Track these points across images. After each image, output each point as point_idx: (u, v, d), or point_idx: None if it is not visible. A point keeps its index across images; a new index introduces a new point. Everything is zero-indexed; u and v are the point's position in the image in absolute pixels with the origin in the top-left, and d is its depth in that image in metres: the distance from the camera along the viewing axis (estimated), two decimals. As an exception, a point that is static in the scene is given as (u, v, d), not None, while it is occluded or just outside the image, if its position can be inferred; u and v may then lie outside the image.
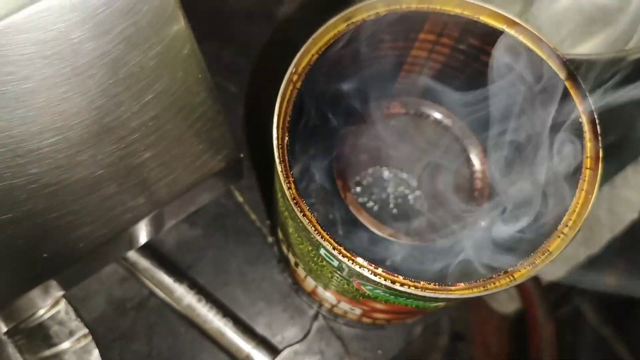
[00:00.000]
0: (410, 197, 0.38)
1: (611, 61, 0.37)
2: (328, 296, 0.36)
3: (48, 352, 0.39)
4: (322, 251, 0.27)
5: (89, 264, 0.36)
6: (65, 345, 0.40)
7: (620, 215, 0.63)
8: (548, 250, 0.27)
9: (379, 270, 0.25)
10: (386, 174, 0.37)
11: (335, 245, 0.25)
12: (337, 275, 0.29)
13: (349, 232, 0.36)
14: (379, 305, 0.31)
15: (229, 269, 0.44)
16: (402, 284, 0.25)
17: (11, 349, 0.37)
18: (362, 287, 0.28)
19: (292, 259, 0.37)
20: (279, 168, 0.26)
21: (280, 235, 0.37)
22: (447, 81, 0.35)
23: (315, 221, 0.26)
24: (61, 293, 0.40)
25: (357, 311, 0.36)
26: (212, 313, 0.40)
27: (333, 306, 0.38)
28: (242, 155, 0.35)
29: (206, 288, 0.43)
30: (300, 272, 0.36)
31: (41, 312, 0.40)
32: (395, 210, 0.37)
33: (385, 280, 0.25)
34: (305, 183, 0.36)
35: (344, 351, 0.43)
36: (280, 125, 0.27)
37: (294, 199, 0.26)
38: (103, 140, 0.28)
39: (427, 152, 0.38)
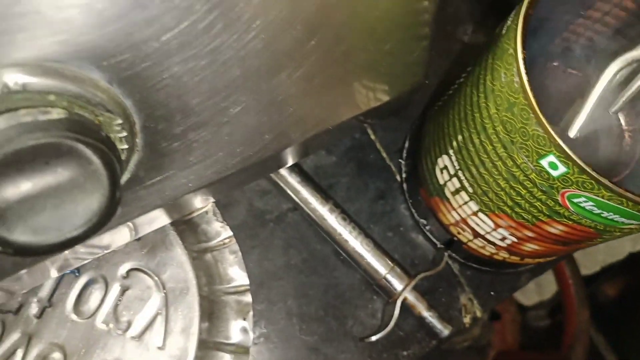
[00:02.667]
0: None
1: None
2: (487, 223, 0.37)
3: (197, 247, 0.40)
4: (546, 160, 0.29)
5: (242, 178, 0.36)
6: (212, 242, 0.41)
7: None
8: None
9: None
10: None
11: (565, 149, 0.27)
12: (536, 191, 0.31)
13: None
14: (554, 229, 0.34)
15: (360, 197, 0.46)
16: None
17: (172, 236, 0.39)
18: (567, 203, 0.30)
19: (451, 186, 0.39)
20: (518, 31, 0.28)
21: (441, 162, 0.39)
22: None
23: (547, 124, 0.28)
24: (211, 200, 0.41)
25: (508, 240, 0.38)
26: (354, 233, 0.42)
27: (477, 234, 0.39)
28: (427, 82, 0.36)
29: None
30: (458, 199, 0.38)
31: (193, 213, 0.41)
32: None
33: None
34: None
35: (460, 290, 0.46)
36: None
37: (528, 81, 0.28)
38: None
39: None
